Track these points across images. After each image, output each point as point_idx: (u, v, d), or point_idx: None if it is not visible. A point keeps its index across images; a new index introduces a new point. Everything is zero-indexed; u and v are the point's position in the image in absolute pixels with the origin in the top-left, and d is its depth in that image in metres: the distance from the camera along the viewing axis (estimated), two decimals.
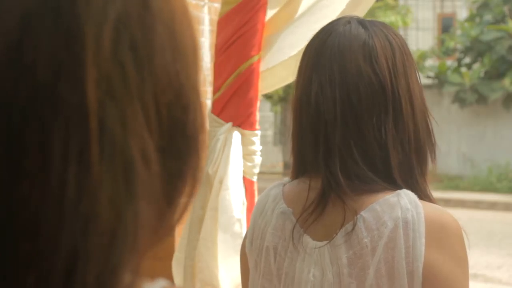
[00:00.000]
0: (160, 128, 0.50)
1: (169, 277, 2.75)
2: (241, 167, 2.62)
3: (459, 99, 15.20)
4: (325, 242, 1.32)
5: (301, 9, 2.64)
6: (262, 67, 2.67)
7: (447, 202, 11.88)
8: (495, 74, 15.03)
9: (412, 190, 1.32)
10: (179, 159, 0.53)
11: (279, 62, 2.65)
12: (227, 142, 2.61)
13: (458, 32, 16.19)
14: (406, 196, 1.29)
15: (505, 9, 15.25)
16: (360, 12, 2.50)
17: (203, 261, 2.56)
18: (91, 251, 0.46)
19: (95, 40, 0.47)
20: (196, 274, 2.56)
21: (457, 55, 16.20)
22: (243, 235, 2.54)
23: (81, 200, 0.46)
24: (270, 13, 2.66)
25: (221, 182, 2.56)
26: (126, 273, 0.49)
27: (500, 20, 15.33)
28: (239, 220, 2.55)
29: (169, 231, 0.55)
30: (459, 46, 16.09)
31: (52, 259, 0.46)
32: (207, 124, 2.84)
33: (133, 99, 0.48)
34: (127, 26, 0.49)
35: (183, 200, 0.56)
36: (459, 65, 15.76)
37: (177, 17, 0.53)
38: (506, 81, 14.64)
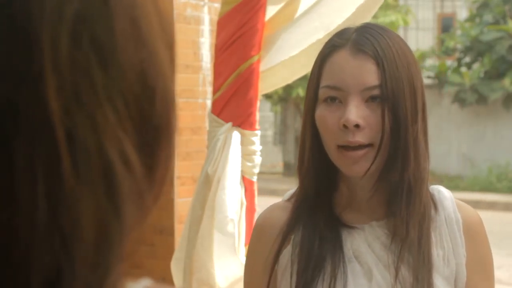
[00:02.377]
0: (133, 124, 0.47)
1: (169, 276, 2.75)
2: (239, 167, 2.62)
3: (459, 99, 15.19)
4: None
5: (301, 8, 2.64)
6: (262, 67, 2.66)
7: None
8: (495, 74, 15.02)
9: None
10: (152, 152, 0.49)
11: (280, 62, 2.65)
12: (226, 142, 2.61)
13: (458, 32, 16.18)
14: None
15: (505, 9, 15.24)
16: (362, 12, 2.50)
17: (200, 260, 2.56)
18: (76, 266, 0.44)
19: (52, 44, 0.44)
20: (193, 273, 2.56)
21: (457, 55, 16.19)
22: (236, 235, 2.55)
23: (57, 217, 0.44)
24: (270, 11, 2.66)
25: (218, 181, 2.56)
26: (112, 280, 0.47)
27: (500, 20, 15.32)
28: (232, 220, 2.55)
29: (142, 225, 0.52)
30: (459, 46, 16.08)
31: (28, 282, 0.44)
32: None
33: (101, 101, 0.45)
34: (86, 25, 0.45)
35: (157, 193, 0.52)
36: (459, 65, 15.75)
37: (139, 2, 0.49)
38: (506, 81, 14.63)
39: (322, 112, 1.37)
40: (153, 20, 0.49)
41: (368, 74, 1.35)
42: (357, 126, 1.32)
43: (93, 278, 0.45)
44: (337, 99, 1.35)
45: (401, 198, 1.36)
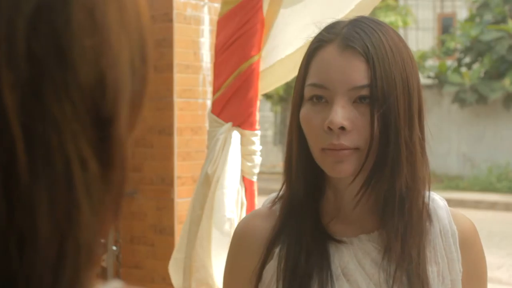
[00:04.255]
0: (90, 118, 0.45)
1: (169, 276, 2.75)
2: (239, 167, 2.62)
3: (459, 99, 15.19)
4: None
5: (291, 5, 2.64)
6: (261, 66, 2.66)
7: (447, 202, 11.84)
8: (495, 74, 15.02)
9: None
10: (105, 148, 0.47)
11: (277, 61, 2.65)
12: (226, 142, 2.61)
13: (458, 32, 16.18)
14: None
15: (506, 9, 15.25)
16: (358, 7, 2.50)
17: (199, 260, 2.57)
18: (32, 270, 0.42)
19: (7, 38, 0.42)
20: (193, 273, 2.56)
21: (457, 55, 16.19)
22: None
23: (11, 216, 0.42)
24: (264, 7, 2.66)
25: (218, 181, 2.56)
26: (82, 283, 0.45)
27: (500, 20, 15.32)
28: (229, 220, 2.55)
29: (109, 227, 0.50)
30: (459, 46, 16.08)
31: None
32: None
33: (60, 94, 0.43)
34: (44, 17, 0.44)
35: (117, 192, 0.50)
36: (459, 65, 15.75)
37: None
38: (506, 81, 14.63)
39: (306, 112, 1.26)
40: (112, 13, 0.48)
41: (356, 72, 1.22)
42: (342, 128, 1.21)
43: (56, 285, 0.43)
44: (323, 99, 1.24)
45: (392, 209, 1.24)
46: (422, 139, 1.28)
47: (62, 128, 0.43)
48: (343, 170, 1.22)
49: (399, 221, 1.25)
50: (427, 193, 1.30)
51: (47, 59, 0.43)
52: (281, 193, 1.34)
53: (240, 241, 1.35)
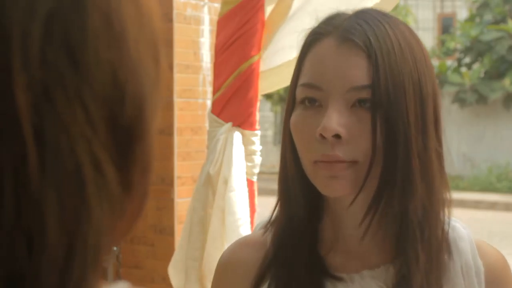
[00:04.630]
0: (105, 125, 0.46)
1: (169, 277, 2.75)
2: (244, 168, 2.62)
3: (459, 99, 15.19)
4: None
5: (298, 5, 2.64)
6: (264, 67, 2.66)
7: None
8: (495, 74, 15.02)
9: None
10: (125, 155, 0.48)
11: (284, 62, 2.64)
12: (227, 142, 2.61)
13: (458, 32, 16.18)
14: None
15: (506, 9, 15.25)
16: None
17: (213, 261, 2.56)
18: (40, 271, 0.43)
19: (22, 40, 0.43)
20: (207, 275, 2.55)
21: (457, 55, 16.19)
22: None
23: (21, 217, 0.42)
24: (267, 10, 2.66)
25: (226, 183, 2.55)
26: (89, 286, 0.45)
27: (500, 20, 15.32)
28: (245, 221, 2.55)
29: (130, 228, 0.51)
30: (459, 46, 16.08)
31: None
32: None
33: (71, 99, 0.44)
34: (59, 22, 0.44)
35: (144, 198, 0.51)
36: (459, 65, 15.75)
37: (115, 0, 0.47)
38: (506, 81, 14.63)
39: (297, 118, 1.06)
40: (130, 19, 0.48)
41: (355, 70, 1.02)
42: (337, 137, 1.00)
43: (64, 285, 0.43)
44: (317, 102, 1.04)
45: (405, 239, 1.03)
46: (440, 152, 1.08)
47: (73, 132, 0.44)
48: (337, 188, 1.02)
49: (412, 254, 1.03)
50: (446, 219, 1.08)
51: (60, 64, 0.44)
52: (273, 217, 1.13)
53: (223, 274, 1.15)
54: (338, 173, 1.01)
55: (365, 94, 1.02)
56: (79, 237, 0.44)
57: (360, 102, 1.02)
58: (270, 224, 1.13)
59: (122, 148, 0.47)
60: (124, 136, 0.47)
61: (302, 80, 1.07)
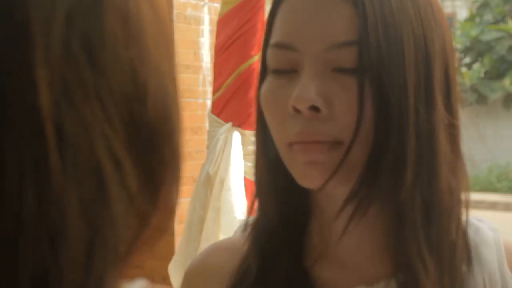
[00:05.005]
0: (124, 124, 0.46)
1: (169, 276, 2.75)
2: (242, 168, 2.62)
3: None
4: None
5: None
6: None
7: None
8: (495, 74, 15.02)
9: None
10: (149, 152, 0.48)
11: None
12: (227, 142, 2.61)
13: (458, 32, 16.19)
14: None
15: (506, 9, 15.25)
16: None
17: None
18: (65, 268, 0.43)
19: (44, 39, 0.43)
20: None
21: (457, 55, 16.20)
22: None
23: (44, 215, 0.43)
24: (267, 10, 2.66)
25: (222, 182, 2.56)
26: (108, 282, 0.46)
27: (500, 20, 15.33)
28: (241, 222, 2.54)
29: (162, 230, 0.51)
30: (459, 46, 16.08)
31: (15, 283, 0.42)
32: (207, 122, 2.84)
33: (90, 98, 0.44)
34: (78, 20, 0.44)
35: (170, 197, 0.51)
36: (459, 65, 15.76)
37: (131, 1, 0.47)
38: (506, 81, 14.64)
39: (267, 89, 0.83)
40: (147, 18, 0.48)
41: (337, 22, 0.79)
42: (314, 109, 0.77)
43: (85, 281, 0.44)
44: (291, 67, 0.81)
45: (405, 244, 0.80)
46: (453, 129, 0.82)
47: (92, 130, 0.44)
48: (316, 176, 0.79)
49: (429, 258, 0.79)
50: (465, 217, 0.86)
51: (78, 62, 0.44)
52: (253, 217, 0.92)
53: (194, 281, 0.94)
54: (317, 157, 0.78)
55: (350, 54, 0.78)
56: (99, 233, 0.44)
57: (344, 64, 0.79)
58: (249, 226, 0.91)
59: (147, 148, 0.48)
60: (149, 136, 0.48)
61: (273, 39, 0.84)
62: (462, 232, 0.84)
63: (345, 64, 0.78)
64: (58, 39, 0.44)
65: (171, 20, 4.21)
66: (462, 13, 17.85)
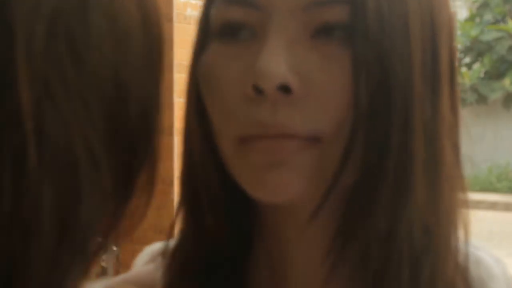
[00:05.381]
0: (104, 123, 0.46)
1: None
2: None
3: None
4: None
5: None
6: None
7: None
8: (495, 74, 15.02)
9: None
10: (127, 152, 0.48)
11: None
12: None
13: (458, 32, 16.19)
14: None
15: (506, 9, 15.26)
16: None
17: None
18: (32, 259, 0.43)
19: (27, 36, 0.43)
20: None
21: (457, 55, 16.19)
22: None
23: (18, 206, 0.43)
24: None
25: None
26: (73, 278, 0.46)
27: (500, 20, 15.33)
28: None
29: (133, 228, 0.52)
30: (459, 46, 16.09)
31: None
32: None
33: (72, 96, 0.44)
34: (62, 19, 0.44)
35: (145, 196, 0.52)
36: (459, 65, 15.74)
37: (118, 1, 0.46)
38: (506, 81, 14.64)
39: (209, 59, 0.61)
40: (134, 19, 0.48)
41: None
42: (285, 89, 0.54)
43: (50, 275, 0.44)
44: (247, 30, 0.58)
45: (389, 281, 0.56)
46: (455, 130, 0.66)
47: (73, 128, 0.44)
48: (281, 185, 0.55)
49: None
50: (461, 244, 0.63)
51: (61, 60, 0.44)
52: (172, 242, 0.69)
53: None
54: (285, 157, 0.55)
55: (336, 14, 0.55)
56: (69, 228, 0.45)
57: (328, 29, 0.56)
58: (166, 254, 0.68)
59: (126, 148, 0.48)
60: (128, 136, 0.48)
61: None
62: (460, 267, 0.62)
63: (332, 25, 0.55)
64: (41, 36, 0.43)
65: (171, 20, 4.20)
66: (462, 13, 17.85)
